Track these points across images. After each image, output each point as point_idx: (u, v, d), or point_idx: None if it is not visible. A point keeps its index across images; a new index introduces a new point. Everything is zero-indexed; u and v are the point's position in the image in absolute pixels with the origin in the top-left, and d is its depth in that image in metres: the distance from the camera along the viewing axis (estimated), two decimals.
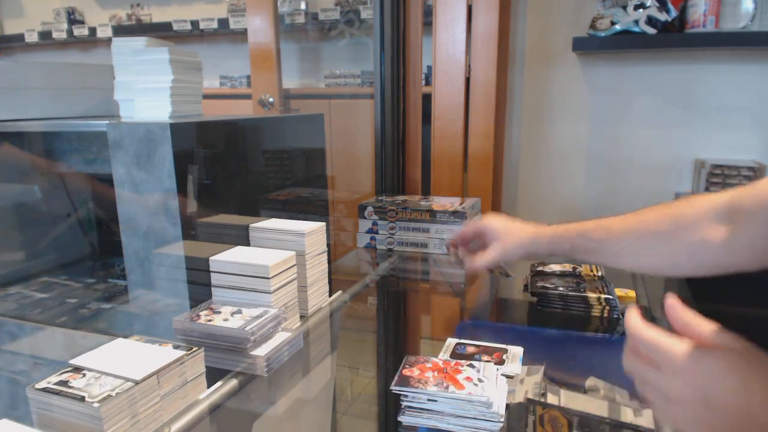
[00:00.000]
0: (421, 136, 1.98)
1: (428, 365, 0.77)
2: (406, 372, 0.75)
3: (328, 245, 1.04)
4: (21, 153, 1.39)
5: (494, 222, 1.06)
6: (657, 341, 0.52)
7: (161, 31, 3.24)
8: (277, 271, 0.88)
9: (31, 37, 3.61)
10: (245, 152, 1.23)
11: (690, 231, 0.77)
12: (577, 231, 0.93)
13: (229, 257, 0.91)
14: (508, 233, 1.03)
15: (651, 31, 1.89)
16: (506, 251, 1.02)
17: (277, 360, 0.83)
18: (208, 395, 0.75)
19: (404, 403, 0.71)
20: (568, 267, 1.24)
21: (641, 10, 1.88)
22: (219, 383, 0.78)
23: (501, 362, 0.84)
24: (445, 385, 0.71)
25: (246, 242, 1.02)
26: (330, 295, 1.09)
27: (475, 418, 0.68)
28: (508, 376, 0.80)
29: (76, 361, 0.68)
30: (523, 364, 0.85)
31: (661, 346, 0.52)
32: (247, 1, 2.61)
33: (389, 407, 0.79)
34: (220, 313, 0.86)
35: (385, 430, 0.84)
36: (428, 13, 1.98)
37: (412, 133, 1.96)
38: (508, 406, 0.73)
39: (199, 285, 0.95)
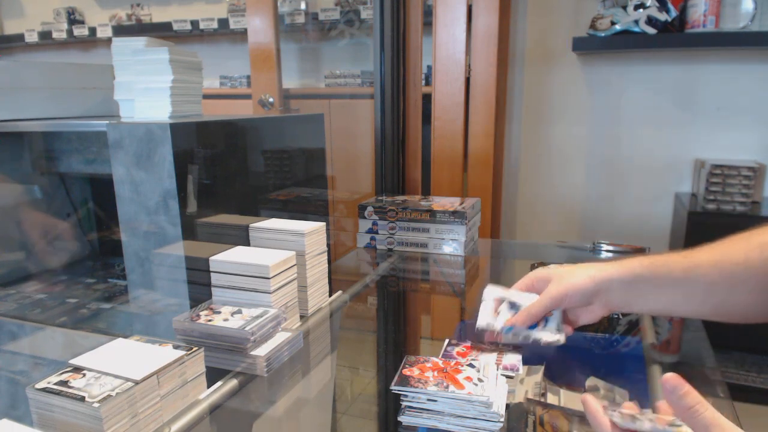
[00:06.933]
0: (421, 136, 1.98)
1: (428, 365, 0.77)
2: (406, 372, 0.75)
3: (328, 245, 1.04)
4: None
5: (547, 270, 0.84)
6: None
7: (161, 31, 3.24)
8: (277, 271, 0.88)
9: (31, 37, 3.61)
10: (245, 152, 1.23)
11: None
12: (659, 261, 0.75)
13: (229, 257, 0.91)
14: (563, 276, 0.81)
15: (651, 31, 1.89)
16: (560, 295, 0.79)
17: (277, 360, 0.84)
18: (208, 395, 0.75)
19: (404, 403, 0.71)
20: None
21: (641, 10, 1.88)
22: (219, 383, 0.78)
23: (501, 362, 0.84)
24: (445, 384, 0.71)
25: (246, 242, 1.02)
26: (330, 295, 1.09)
27: (475, 418, 0.68)
28: (508, 376, 0.80)
29: (76, 361, 0.68)
30: (523, 364, 0.85)
31: None
32: (247, 1, 2.61)
33: (389, 407, 0.79)
34: (220, 313, 0.86)
35: (385, 430, 0.84)
36: (428, 13, 1.98)
37: (412, 133, 1.96)
38: (508, 406, 0.73)
39: (199, 285, 0.95)
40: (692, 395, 0.49)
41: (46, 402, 0.63)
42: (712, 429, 0.48)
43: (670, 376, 0.50)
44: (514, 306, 0.85)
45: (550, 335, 0.80)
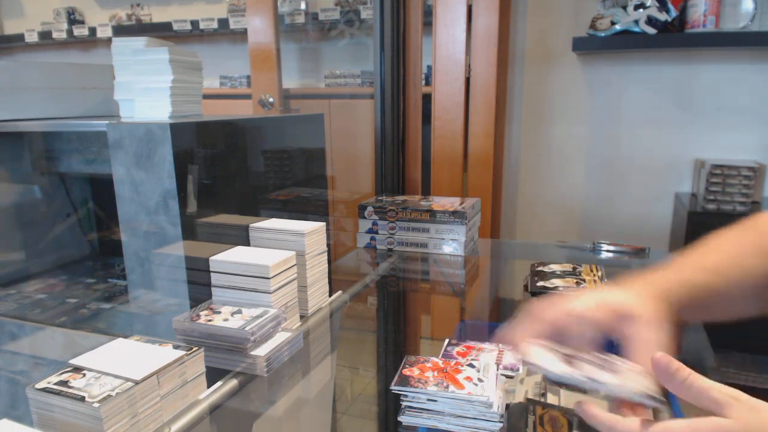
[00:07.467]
0: (421, 136, 1.98)
1: (428, 365, 0.77)
2: (406, 372, 0.75)
3: (328, 245, 1.04)
4: None
5: (624, 297, 0.62)
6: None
7: (161, 31, 3.24)
8: (277, 271, 0.88)
9: (31, 37, 3.61)
10: (245, 152, 1.23)
11: None
12: (692, 283, 0.66)
13: (229, 257, 0.91)
14: (652, 316, 0.60)
15: (651, 31, 1.89)
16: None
17: (277, 360, 0.83)
18: (208, 395, 0.75)
19: (404, 403, 0.71)
20: (568, 267, 1.24)
21: (641, 10, 1.88)
22: (219, 383, 0.78)
23: (501, 362, 0.84)
24: (445, 384, 0.71)
25: (246, 242, 1.02)
26: (330, 295, 1.09)
27: (475, 418, 0.68)
28: (508, 376, 0.80)
29: (76, 361, 0.68)
30: (523, 364, 0.85)
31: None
32: (247, 1, 2.61)
33: (389, 407, 0.79)
34: (220, 313, 0.86)
35: (385, 430, 0.84)
36: (428, 13, 1.98)
37: (412, 133, 1.96)
38: (508, 406, 0.73)
39: (199, 285, 0.95)
40: (683, 369, 0.51)
41: (46, 402, 0.63)
42: (710, 392, 0.49)
43: (661, 356, 0.51)
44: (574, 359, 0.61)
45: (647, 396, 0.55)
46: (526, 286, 1.18)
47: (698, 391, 0.50)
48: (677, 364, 0.51)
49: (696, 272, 0.68)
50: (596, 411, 0.55)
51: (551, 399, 0.77)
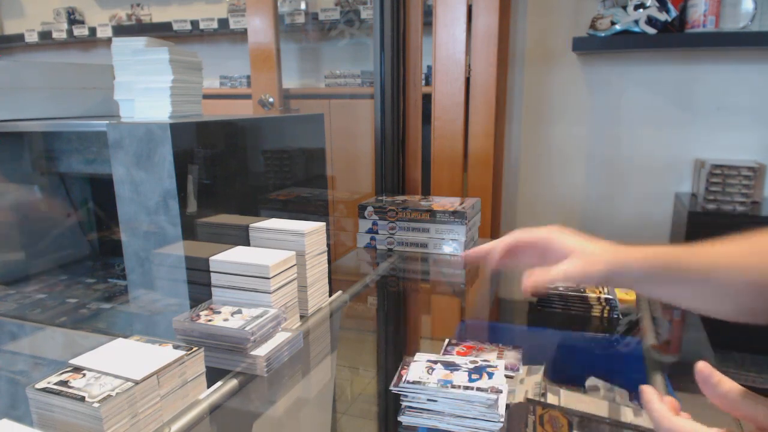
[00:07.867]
0: (421, 136, 1.98)
1: None
2: (405, 372, 0.75)
3: (328, 245, 1.04)
4: None
5: (562, 236, 0.79)
6: None
7: (161, 31, 3.24)
8: (277, 271, 0.88)
9: (31, 37, 3.61)
10: (245, 152, 1.23)
11: None
12: (675, 255, 0.68)
13: (229, 257, 0.91)
14: (586, 252, 0.75)
15: (651, 31, 1.89)
16: (588, 273, 0.72)
17: (277, 360, 0.83)
18: (208, 395, 0.75)
19: (404, 403, 0.71)
20: None
21: (641, 10, 1.88)
22: (219, 383, 0.78)
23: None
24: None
25: (246, 242, 1.02)
26: (330, 295, 1.09)
27: (475, 418, 0.68)
28: (508, 376, 0.80)
29: (76, 361, 0.68)
30: (523, 364, 0.85)
31: None
32: (247, 1, 2.61)
33: (389, 407, 0.79)
34: (220, 313, 0.86)
35: (385, 430, 0.84)
36: (428, 13, 1.98)
37: (412, 133, 1.96)
38: (508, 406, 0.73)
39: (199, 285, 0.95)
40: (725, 380, 0.51)
41: (46, 402, 0.63)
42: (756, 404, 0.49)
43: (703, 365, 0.52)
44: (451, 366, 0.76)
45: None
46: None
47: (746, 402, 0.50)
48: (719, 376, 0.51)
49: (679, 252, 0.68)
50: (653, 398, 0.54)
51: (551, 399, 0.77)
